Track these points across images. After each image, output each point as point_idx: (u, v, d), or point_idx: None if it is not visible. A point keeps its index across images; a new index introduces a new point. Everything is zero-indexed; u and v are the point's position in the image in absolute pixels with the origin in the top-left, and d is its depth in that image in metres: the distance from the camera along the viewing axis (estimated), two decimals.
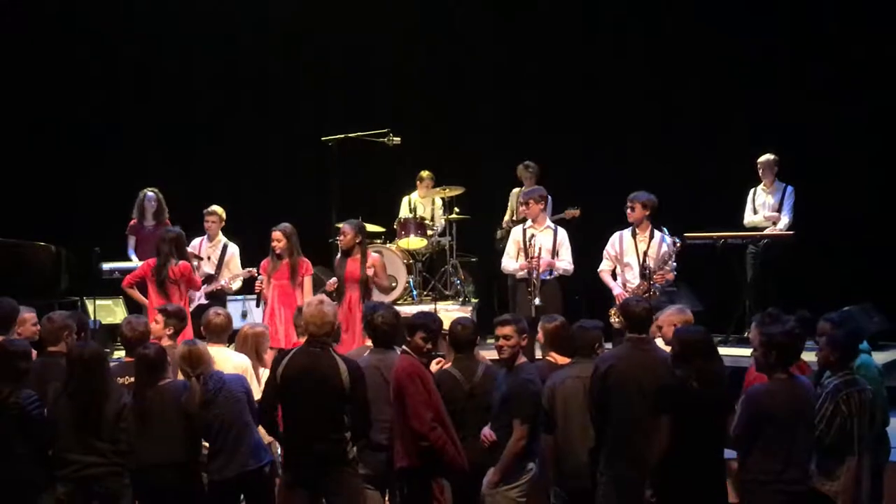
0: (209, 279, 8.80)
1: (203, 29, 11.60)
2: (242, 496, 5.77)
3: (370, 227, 10.34)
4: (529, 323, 6.84)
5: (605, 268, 8.23)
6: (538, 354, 6.82)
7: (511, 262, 8.50)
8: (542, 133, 11.21)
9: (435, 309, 9.04)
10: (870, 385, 5.66)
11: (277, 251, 8.29)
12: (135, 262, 9.29)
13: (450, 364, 6.03)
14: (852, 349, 5.73)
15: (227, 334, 6.49)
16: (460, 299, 10.49)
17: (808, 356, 6.04)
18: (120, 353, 7.66)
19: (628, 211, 8.10)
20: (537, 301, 8.14)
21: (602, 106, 10.99)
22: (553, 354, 6.13)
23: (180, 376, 5.67)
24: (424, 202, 10.89)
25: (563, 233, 8.49)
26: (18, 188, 11.23)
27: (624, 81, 11.00)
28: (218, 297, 8.79)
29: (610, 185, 10.05)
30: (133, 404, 5.57)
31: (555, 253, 8.38)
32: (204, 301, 8.58)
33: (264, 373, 6.40)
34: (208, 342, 6.21)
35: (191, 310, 8.08)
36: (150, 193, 9.53)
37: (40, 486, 5.51)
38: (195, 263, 8.56)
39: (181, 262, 8.24)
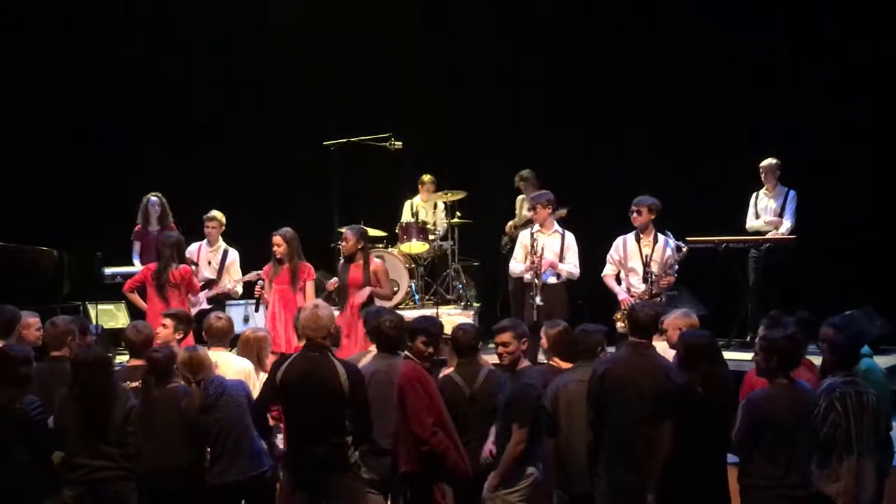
0: (209, 284, 8.80)
1: (203, 29, 11.61)
2: (243, 501, 5.77)
3: (372, 232, 10.35)
4: (531, 326, 6.88)
5: (608, 272, 8.23)
6: (541, 358, 6.83)
7: (518, 265, 8.52)
8: (542, 134, 11.22)
9: (437, 313, 9.06)
10: (876, 389, 5.68)
11: (278, 256, 8.31)
12: (138, 266, 9.30)
13: (452, 369, 6.06)
14: (852, 352, 5.73)
15: (228, 338, 6.51)
16: (462, 303, 10.51)
17: (815, 359, 6.07)
18: (122, 358, 7.67)
19: (634, 215, 8.10)
20: (538, 300, 8.14)
21: (602, 106, 10.99)
22: (556, 359, 6.14)
23: None
24: (426, 206, 10.89)
25: (570, 237, 8.49)
26: (18, 188, 11.25)
27: (624, 81, 10.99)
28: (218, 302, 8.80)
29: (610, 186, 10.08)
30: (140, 407, 5.60)
31: (561, 257, 8.38)
32: (206, 305, 8.58)
33: (264, 377, 6.45)
34: (210, 346, 6.25)
35: (193, 314, 8.06)
36: (153, 198, 9.54)
37: (43, 491, 5.52)
38: (192, 268, 8.56)
39: (182, 266, 8.27)
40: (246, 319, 9.35)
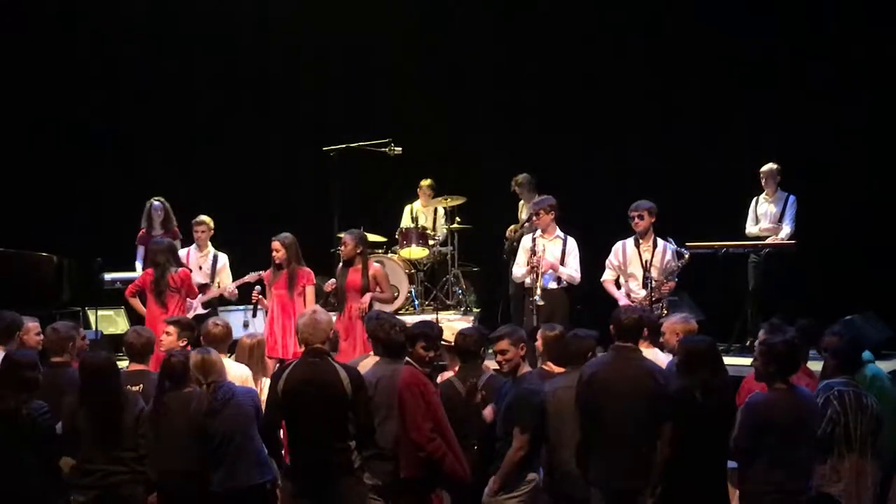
0: (202, 288, 8.80)
1: (203, 29, 11.59)
2: None
3: (371, 237, 10.34)
4: (531, 330, 6.87)
5: (608, 277, 8.23)
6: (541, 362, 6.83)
7: (521, 269, 8.53)
8: (542, 137, 11.21)
9: (437, 319, 9.04)
10: (883, 395, 5.72)
11: (277, 261, 8.30)
12: (139, 271, 9.31)
13: (453, 373, 6.09)
14: (852, 356, 5.77)
15: (226, 344, 6.51)
16: (462, 309, 10.51)
17: (815, 365, 6.06)
18: (122, 363, 7.65)
19: (636, 220, 8.09)
20: (537, 298, 8.12)
21: (602, 108, 10.97)
22: (549, 363, 6.17)
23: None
24: (426, 212, 10.90)
25: (572, 242, 8.49)
26: (18, 189, 11.25)
27: (624, 83, 10.98)
28: (213, 306, 8.87)
29: (610, 189, 10.06)
30: (152, 411, 5.61)
31: (563, 262, 8.38)
32: (202, 311, 8.59)
33: (265, 381, 6.44)
34: None
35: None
36: (156, 203, 9.53)
37: (51, 497, 5.53)
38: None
39: (181, 270, 8.29)
40: (245, 325, 9.35)
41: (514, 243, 9.37)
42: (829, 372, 5.71)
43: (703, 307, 9.03)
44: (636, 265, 8.11)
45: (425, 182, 10.80)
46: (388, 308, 8.35)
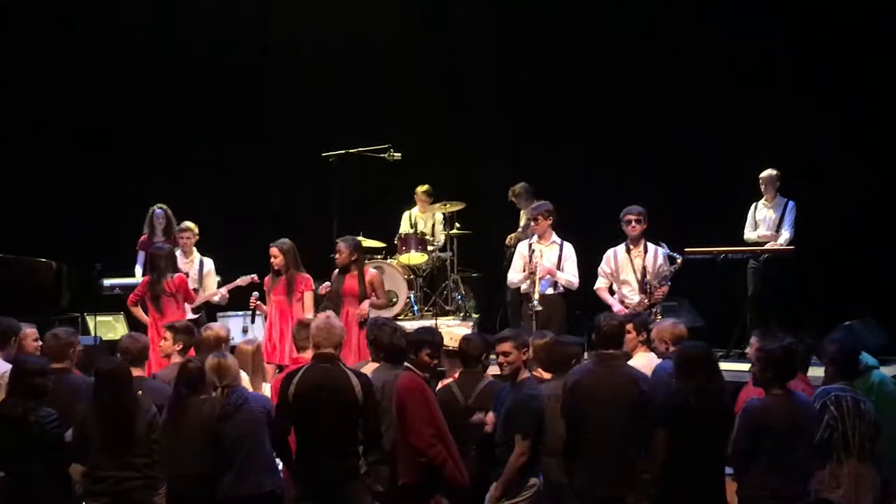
0: None
1: (203, 29, 11.59)
2: None
3: (371, 243, 10.35)
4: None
5: (601, 285, 8.24)
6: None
7: (516, 275, 8.51)
8: (542, 139, 11.22)
9: (436, 324, 9.04)
10: (890, 400, 5.72)
11: (275, 267, 8.30)
12: (139, 276, 9.31)
13: (452, 379, 6.09)
14: (849, 362, 5.77)
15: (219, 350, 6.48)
16: (461, 314, 10.49)
17: (818, 371, 6.07)
18: None
19: (634, 224, 8.09)
20: (535, 303, 8.13)
21: (601, 110, 11.00)
22: (539, 370, 6.17)
23: None
24: (425, 217, 10.90)
25: (568, 247, 8.47)
26: (17, 190, 11.27)
27: (624, 83, 10.99)
28: (200, 311, 8.87)
29: (610, 194, 10.05)
30: (167, 417, 5.62)
31: (559, 267, 8.37)
32: (192, 315, 8.58)
33: (265, 387, 6.45)
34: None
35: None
36: (158, 210, 9.51)
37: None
38: None
39: (177, 276, 8.31)
40: (244, 330, 9.33)
41: (513, 250, 9.36)
42: (827, 379, 5.72)
43: (702, 313, 9.03)
44: (628, 271, 8.12)
45: (421, 188, 10.80)
46: (388, 314, 8.34)
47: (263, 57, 11.85)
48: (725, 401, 5.42)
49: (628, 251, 8.12)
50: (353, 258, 8.24)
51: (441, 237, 10.82)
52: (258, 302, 8.38)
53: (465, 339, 6.10)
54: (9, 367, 5.87)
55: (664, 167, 10.62)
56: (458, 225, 10.63)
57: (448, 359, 6.43)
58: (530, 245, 8.46)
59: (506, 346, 5.70)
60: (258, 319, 8.65)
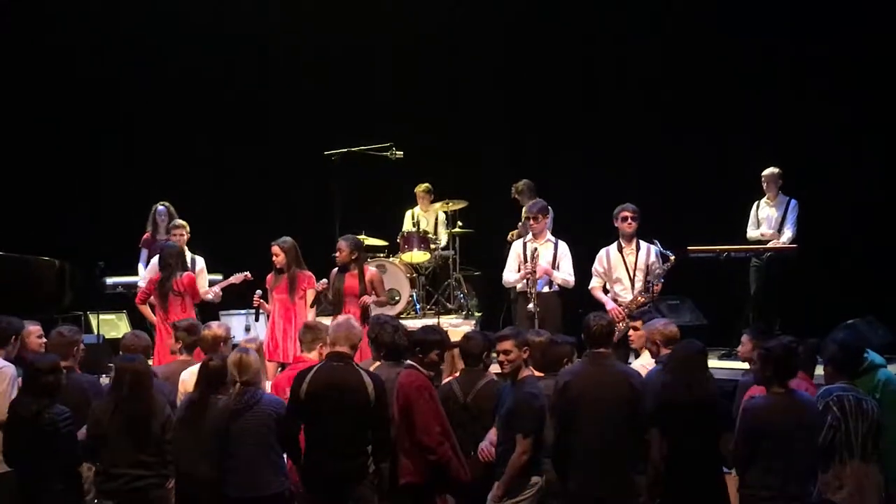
0: None
1: (203, 30, 11.61)
2: None
3: (373, 241, 10.35)
4: None
5: (595, 284, 8.25)
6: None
7: (512, 274, 8.50)
8: (543, 138, 11.25)
9: (438, 323, 9.05)
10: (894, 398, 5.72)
11: (277, 265, 8.30)
12: (141, 274, 9.32)
13: (453, 377, 6.09)
14: (850, 360, 5.76)
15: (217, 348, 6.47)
16: (464, 313, 10.50)
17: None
18: None
19: (630, 222, 8.10)
20: (531, 306, 8.13)
21: (602, 109, 11.00)
22: (532, 369, 6.12)
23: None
24: (427, 216, 10.91)
25: (563, 245, 8.47)
26: (18, 189, 11.29)
27: (624, 83, 11.01)
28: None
29: (611, 193, 10.04)
30: (184, 413, 5.63)
31: (555, 266, 8.38)
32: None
33: (267, 385, 6.44)
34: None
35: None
36: (160, 207, 9.53)
37: (72, 502, 5.54)
38: None
39: (185, 274, 8.30)
40: (247, 329, 9.36)
41: None
42: (828, 378, 5.71)
43: (704, 311, 9.02)
44: (621, 270, 8.13)
45: (421, 186, 10.82)
46: (391, 312, 8.35)
47: (263, 57, 11.85)
48: (712, 390, 5.44)
49: (620, 250, 8.14)
50: (353, 257, 8.24)
51: (443, 236, 10.82)
52: (261, 300, 8.39)
53: (465, 337, 6.09)
54: (9, 365, 5.91)
55: (665, 166, 10.65)
56: (459, 223, 10.65)
57: (448, 358, 6.46)
58: (525, 244, 8.46)
59: (506, 345, 5.70)
60: (261, 317, 8.65)
